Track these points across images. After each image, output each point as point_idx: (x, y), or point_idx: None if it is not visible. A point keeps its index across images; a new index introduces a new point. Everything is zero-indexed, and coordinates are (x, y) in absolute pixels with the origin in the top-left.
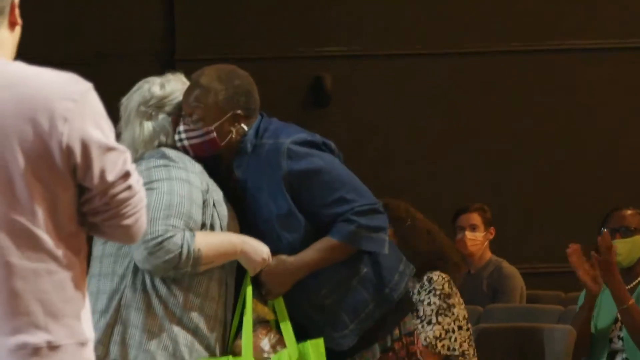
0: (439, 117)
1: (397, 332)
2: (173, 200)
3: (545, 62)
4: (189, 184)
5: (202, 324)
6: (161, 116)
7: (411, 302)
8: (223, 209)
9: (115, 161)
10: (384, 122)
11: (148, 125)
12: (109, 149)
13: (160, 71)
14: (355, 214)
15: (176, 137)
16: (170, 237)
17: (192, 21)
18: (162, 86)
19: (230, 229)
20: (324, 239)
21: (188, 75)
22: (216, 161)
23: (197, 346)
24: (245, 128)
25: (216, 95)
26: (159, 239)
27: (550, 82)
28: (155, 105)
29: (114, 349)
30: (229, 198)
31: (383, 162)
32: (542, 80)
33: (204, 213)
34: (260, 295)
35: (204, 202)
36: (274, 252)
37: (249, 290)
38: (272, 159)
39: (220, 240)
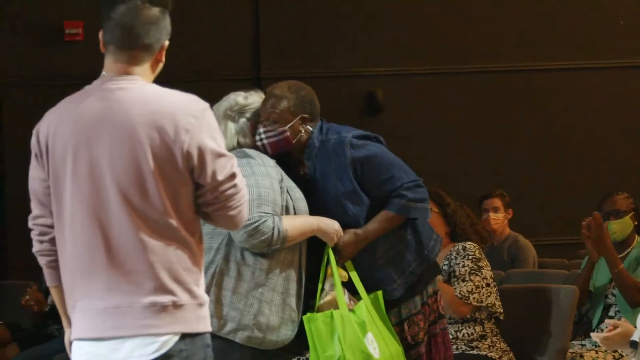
0: (465, 125)
1: (430, 290)
2: (261, 191)
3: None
4: (269, 176)
5: (280, 284)
6: (242, 120)
7: (438, 266)
8: (294, 193)
9: (224, 165)
10: (424, 127)
11: (231, 126)
12: (220, 155)
13: (248, 87)
14: (404, 189)
15: (257, 137)
16: (264, 221)
17: (274, 46)
18: (245, 97)
19: (301, 209)
20: (382, 212)
21: None
22: (285, 158)
23: (277, 301)
24: (311, 129)
25: (288, 102)
26: (256, 224)
27: (543, 98)
28: (238, 111)
29: (210, 307)
30: (298, 185)
31: (423, 159)
32: (534, 95)
33: (281, 198)
34: (334, 260)
35: (280, 189)
36: (341, 222)
37: (333, 258)
38: (337, 149)
39: (301, 222)
